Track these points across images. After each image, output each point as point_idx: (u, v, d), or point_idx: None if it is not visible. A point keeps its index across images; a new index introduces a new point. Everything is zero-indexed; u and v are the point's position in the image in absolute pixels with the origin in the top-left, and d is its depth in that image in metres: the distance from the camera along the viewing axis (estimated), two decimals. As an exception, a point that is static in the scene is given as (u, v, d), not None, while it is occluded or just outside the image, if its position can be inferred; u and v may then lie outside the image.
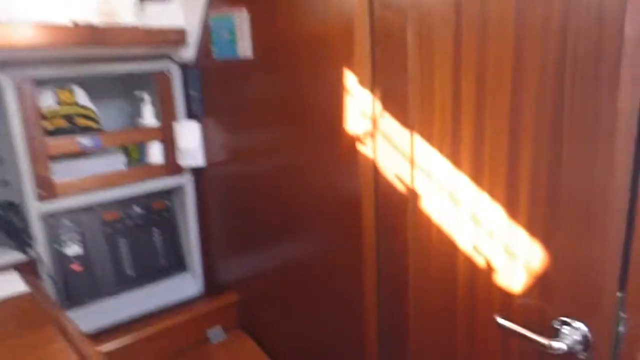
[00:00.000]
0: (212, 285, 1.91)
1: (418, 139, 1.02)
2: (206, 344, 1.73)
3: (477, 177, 0.94)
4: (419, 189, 1.05)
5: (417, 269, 1.10)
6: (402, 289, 1.14)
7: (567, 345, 0.85)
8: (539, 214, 0.86)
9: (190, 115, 1.76)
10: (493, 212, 0.92)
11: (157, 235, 1.84)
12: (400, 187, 1.08)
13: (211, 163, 1.76)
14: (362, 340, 1.27)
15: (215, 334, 1.75)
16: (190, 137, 1.72)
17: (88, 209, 1.69)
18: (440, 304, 1.07)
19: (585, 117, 0.78)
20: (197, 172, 1.83)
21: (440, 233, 1.02)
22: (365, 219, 1.16)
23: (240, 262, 1.76)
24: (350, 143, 1.15)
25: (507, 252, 0.92)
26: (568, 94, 0.80)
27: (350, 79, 1.12)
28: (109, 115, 1.82)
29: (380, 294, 1.20)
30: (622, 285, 0.80)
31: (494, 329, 0.94)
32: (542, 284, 0.89)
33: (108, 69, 1.60)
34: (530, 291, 0.90)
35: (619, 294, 0.80)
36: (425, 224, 1.05)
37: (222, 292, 1.84)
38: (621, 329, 0.81)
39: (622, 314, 0.81)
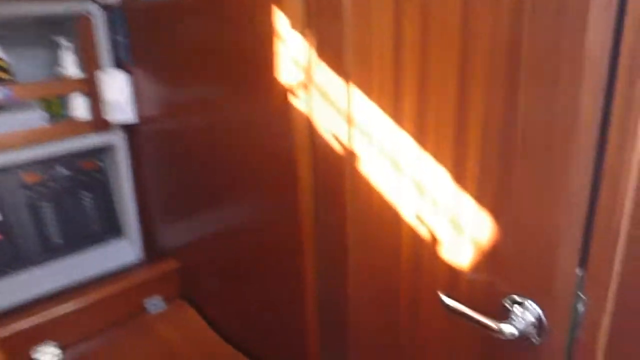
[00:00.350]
0: (152, 252, 1.77)
1: (355, 92, 0.88)
2: (144, 314, 1.61)
3: (420, 135, 0.80)
4: (357, 149, 0.91)
5: (356, 237, 0.97)
6: (341, 258, 1.02)
7: (519, 329, 0.74)
8: (490, 179, 0.74)
9: (118, 64, 1.57)
10: (438, 176, 0.79)
11: (87, 199, 1.67)
12: (337, 147, 0.94)
13: (144, 118, 1.59)
14: (303, 311, 1.15)
15: (154, 304, 1.62)
16: (117, 89, 1.54)
17: (3, 171, 1.51)
18: (381, 277, 0.95)
19: (546, 64, 0.65)
20: (129, 128, 1.65)
21: (380, 200, 0.89)
22: (302, 182, 1.03)
23: (180, 227, 1.62)
24: (282, 95, 0.99)
25: (452, 222, 0.80)
26: (526, 35, 0.66)
27: (280, 20, 0.96)
28: (26, 66, 1.62)
29: (318, 263, 1.08)
30: (583, 261, 0.69)
31: (439, 308, 0.83)
32: (491, 258, 0.77)
33: (15, 10, 1.39)
34: (478, 266, 0.79)
35: (578, 272, 0.69)
36: (364, 189, 0.92)
37: (162, 259, 1.70)
38: (579, 311, 0.71)
39: (581, 294, 0.70)
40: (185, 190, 1.53)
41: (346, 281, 1.03)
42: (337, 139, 0.93)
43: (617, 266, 0.65)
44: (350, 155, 0.92)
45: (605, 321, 0.68)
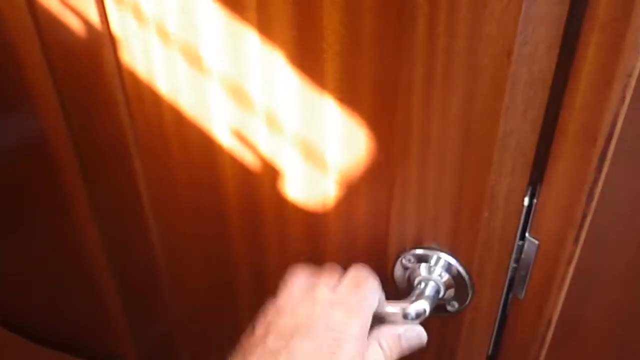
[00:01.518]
0: None
1: None
2: None
3: (229, -6, 0.43)
4: (119, 30, 0.51)
5: (151, 171, 0.60)
6: (131, 204, 0.64)
7: (430, 297, 0.46)
8: (369, 70, 0.40)
9: None
10: (272, 71, 0.44)
11: None
12: (82, 30, 0.52)
13: None
14: (90, 273, 0.77)
15: None
16: None
17: None
18: (203, 239, 0.61)
19: None
20: None
21: (175, 114, 0.52)
22: (34, 88, 0.60)
23: None
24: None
25: (304, 148, 0.46)
26: None
27: None
28: None
29: (99, 217, 0.70)
30: (533, 184, 0.42)
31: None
32: (375, 196, 0.47)
33: None
34: (354, 214, 0.48)
35: (526, 201, 0.42)
36: (145, 95, 0.53)
37: None
38: (526, 259, 0.45)
39: (528, 236, 0.43)
40: None
41: (150, 238, 0.67)
42: (79, 14, 0.51)
43: (598, 188, 0.38)
44: (110, 42, 0.52)
45: (567, 272, 0.43)
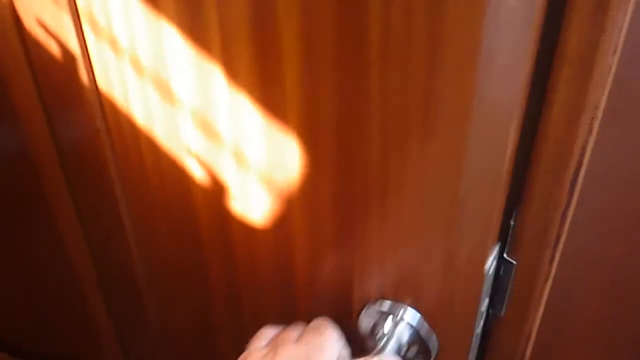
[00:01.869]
0: None
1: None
2: None
3: (195, 33, 0.42)
4: (96, 59, 0.50)
5: (133, 199, 0.60)
6: (115, 225, 0.64)
7: (392, 352, 0.44)
8: (323, 111, 0.39)
9: None
10: (236, 108, 0.43)
11: None
12: (63, 56, 0.52)
13: None
14: (76, 283, 0.77)
15: None
16: None
17: None
18: (181, 262, 0.61)
19: None
20: None
21: (153, 146, 0.52)
22: (20, 104, 0.60)
23: None
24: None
25: (269, 184, 0.45)
26: None
27: None
28: None
29: (86, 234, 0.69)
30: (515, 201, 0.40)
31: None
32: (334, 237, 0.45)
33: None
34: (317, 250, 0.46)
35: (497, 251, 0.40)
36: (125, 127, 0.53)
37: None
38: (501, 281, 0.43)
39: (507, 257, 0.42)
40: None
41: (132, 260, 0.67)
42: (57, 40, 0.51)
43: (570, 211, 0.37)
44: (90, 72, 0.52)
45: (544, 290, 0.42)
